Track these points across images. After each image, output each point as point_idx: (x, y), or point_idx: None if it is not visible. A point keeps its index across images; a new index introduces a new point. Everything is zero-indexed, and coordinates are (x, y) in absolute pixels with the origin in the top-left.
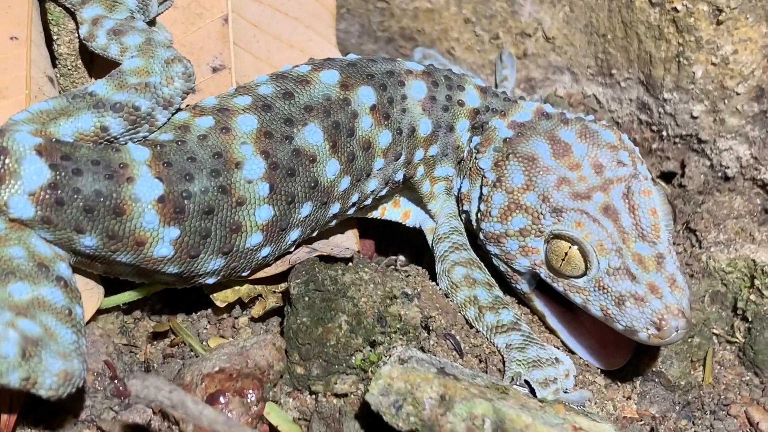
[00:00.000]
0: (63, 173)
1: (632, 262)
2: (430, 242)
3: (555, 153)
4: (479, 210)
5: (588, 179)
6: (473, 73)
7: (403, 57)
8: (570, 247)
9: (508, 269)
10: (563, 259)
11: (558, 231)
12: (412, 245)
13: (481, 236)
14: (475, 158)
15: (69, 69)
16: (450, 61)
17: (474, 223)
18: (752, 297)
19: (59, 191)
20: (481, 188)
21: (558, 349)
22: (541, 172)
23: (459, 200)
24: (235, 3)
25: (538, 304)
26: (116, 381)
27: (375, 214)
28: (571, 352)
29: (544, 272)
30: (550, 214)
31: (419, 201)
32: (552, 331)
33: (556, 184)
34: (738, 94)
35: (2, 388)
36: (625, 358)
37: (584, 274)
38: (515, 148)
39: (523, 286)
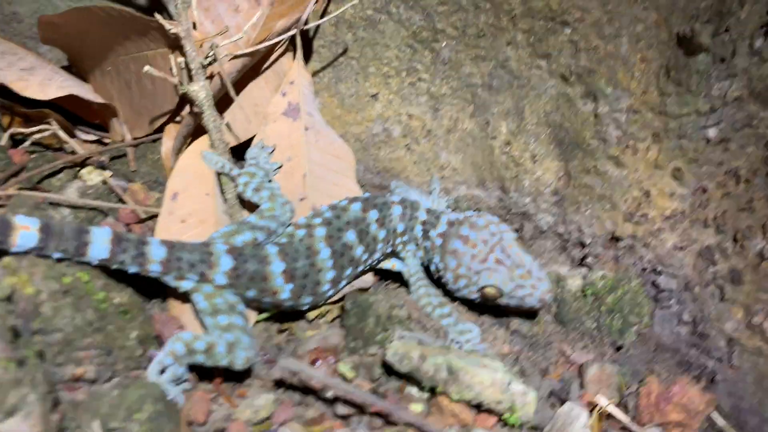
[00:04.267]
0: (239, 261)
1: (519, 279)
2: (406, 278)
3: (463, 243)
4: (441, 282)
5: (483, 250)
6: (420, 187)
7: (386, 183)
8: (491, 288)
9: (466, 298)
10: (491, 294)
11: (482, 284)
12: (396, 278)
13: (448, 290)
14: (432, 257)
15: (233, 208)
16: (407, 183)
17: (442, 285)
18: (558, 290)
19: (238, 270)
20: (437, 272)
21: (473, 323)
22: (461, 256)
23: (427, 270)
24: (309, 168)
25: (488, 303)
26: (266, 355)
27: (379, 267)
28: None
29: (483, 299)
30: (474, 275)
31: (400, 260)
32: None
33: (470, 259)
34: (545, 193)
35: (219, 366)
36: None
37: (502, 295)
38: (446, 248)
39: (475, 297)
